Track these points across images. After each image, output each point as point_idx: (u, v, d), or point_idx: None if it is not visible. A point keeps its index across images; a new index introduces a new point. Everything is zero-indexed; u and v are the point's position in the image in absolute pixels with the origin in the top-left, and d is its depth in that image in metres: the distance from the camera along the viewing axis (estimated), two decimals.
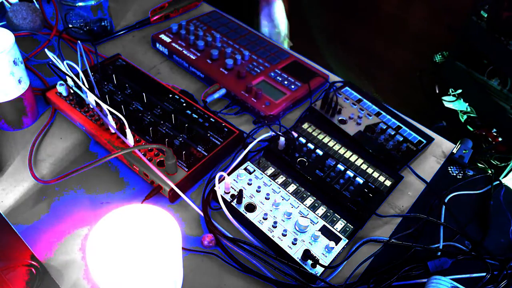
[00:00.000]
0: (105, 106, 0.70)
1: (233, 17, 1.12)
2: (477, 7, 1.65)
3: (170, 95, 0.84)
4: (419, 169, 0.83)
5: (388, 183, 0.76)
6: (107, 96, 0.81)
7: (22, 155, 0.75)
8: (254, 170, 0.75)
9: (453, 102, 1.81)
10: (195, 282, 0.62)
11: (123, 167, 0.76)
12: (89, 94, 0.73)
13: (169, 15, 1.13)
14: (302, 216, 0.68)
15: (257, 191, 0.71)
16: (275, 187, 0.72)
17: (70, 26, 0.97)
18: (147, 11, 1.10)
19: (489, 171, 0.85)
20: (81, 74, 0.73)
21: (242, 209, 0.68)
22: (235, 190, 0.71)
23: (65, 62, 0.72)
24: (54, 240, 0.64)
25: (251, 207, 0.69)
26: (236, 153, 0.80)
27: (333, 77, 0.99)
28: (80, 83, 0.73)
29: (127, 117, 0.76)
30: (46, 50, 0.72)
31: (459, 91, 1.79)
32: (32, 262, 0.59)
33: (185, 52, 0.96)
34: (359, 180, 0.75)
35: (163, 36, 1.00)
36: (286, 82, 0.93)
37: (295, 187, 0.73)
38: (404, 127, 0.87)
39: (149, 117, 0.79)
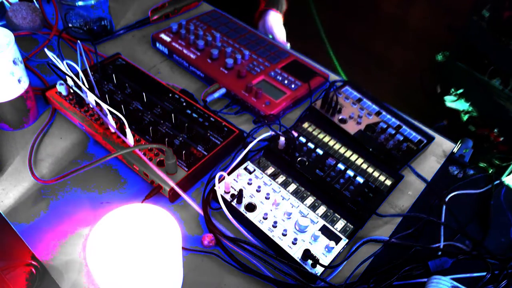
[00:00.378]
0: (105, 106, 0.70)
1: (233, 17, 1.12)
2: (477, 7, 1.65)
3: (170, 95, 0.84)
4: (419, 168, 0.83)
5: (388, 182, 0.76)
6: (107, 95, 0.81)
7: (22, 155, 0.75)
8: (254, 170, 0.75)
9: (454, 102, 1.81)
10: (195, 281, 0.62)
11: (123, 167, 0.76)
12: (89, 93, 0.73)
13: (169, 15, 1.13)
14: (302, 216, 0.68)
15: (257, 190, 0.71)
16: (275, 187, 0.72)
17: (70, 25, 0.97)
18: (147, 11, 1.10)
19: (490, 171, 0.84)
20: (81, 74, 0.73)
21: (242, 209, 0.68)
22: (235, 190, 0.70)
23: (65, 62, 0.72)
24: (54, 240, 0.64)
25: (251, 207, 0.69)
26: (236, 153, 0.80)
27: (333, 77, 0.99)
28: (80, 83, 0.73)
29: (127, 116, 0.76)
30: (45, 49, 0.72)
31: (461, 91, 1.79)
32: (32, 262, 0.59)
33: (185, 51, 0.96)
34: (359, 179, 0.75)
35: (163, 36, 1.00)
36: (286, 82, 0.92)
37: (295, 186, 0.73)
38: (404, 126, 0.87)
39: (149, 116, 0.79)
